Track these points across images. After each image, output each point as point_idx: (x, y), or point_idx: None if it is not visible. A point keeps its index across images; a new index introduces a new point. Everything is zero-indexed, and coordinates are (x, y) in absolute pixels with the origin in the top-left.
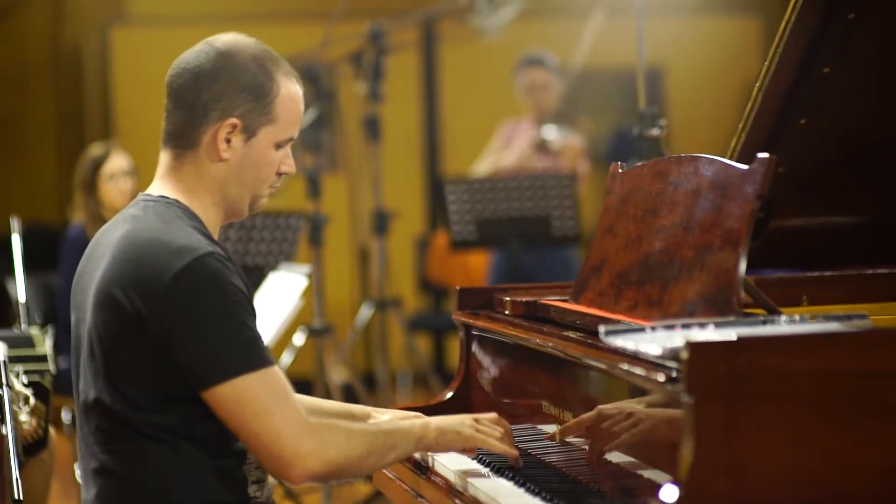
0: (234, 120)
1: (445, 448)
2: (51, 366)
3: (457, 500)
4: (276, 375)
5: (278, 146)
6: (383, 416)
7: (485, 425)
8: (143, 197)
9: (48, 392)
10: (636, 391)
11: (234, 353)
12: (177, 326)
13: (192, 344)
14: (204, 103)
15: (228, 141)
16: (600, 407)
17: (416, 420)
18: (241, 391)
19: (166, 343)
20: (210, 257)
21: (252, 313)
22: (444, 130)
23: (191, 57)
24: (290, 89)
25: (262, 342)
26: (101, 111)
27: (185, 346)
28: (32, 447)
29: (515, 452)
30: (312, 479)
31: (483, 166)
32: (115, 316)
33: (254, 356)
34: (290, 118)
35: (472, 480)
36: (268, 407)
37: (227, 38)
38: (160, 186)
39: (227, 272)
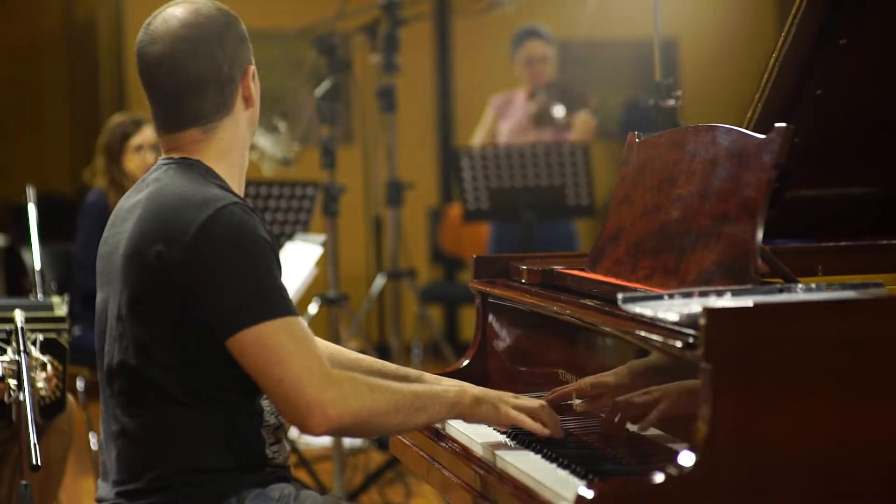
0: (251, 67)
1: (479, 419)
2: (68, 330)
3: (473, 466)
4: (298, 324)
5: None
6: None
7: (523, 403)
8: (163, 161)
9: (65, 350)
10: (652, 358)
11: (257, 301)
12: (202, 277)
13: (216, 293)
14: (228, 72)
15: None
16: (616, 370)
17: (451, 385)
18: (262, 338)
19: (192, 295)
20: (234, 206)
21: (277, 263)
22: (458, 102)
23: (176, 44)
24: None
25: (285, 292)
26: (115, 82)
27: (210, 295)
28: (50, 408)
29: (547, 431)
30: (333, 429)
31: (480, 139)
32: (143, 275)
33: (276, 304)
34: None
35: (490, 447)
36: (289, 355)
37: (182, 11)
38: (179, 154)
39: (251, 221)
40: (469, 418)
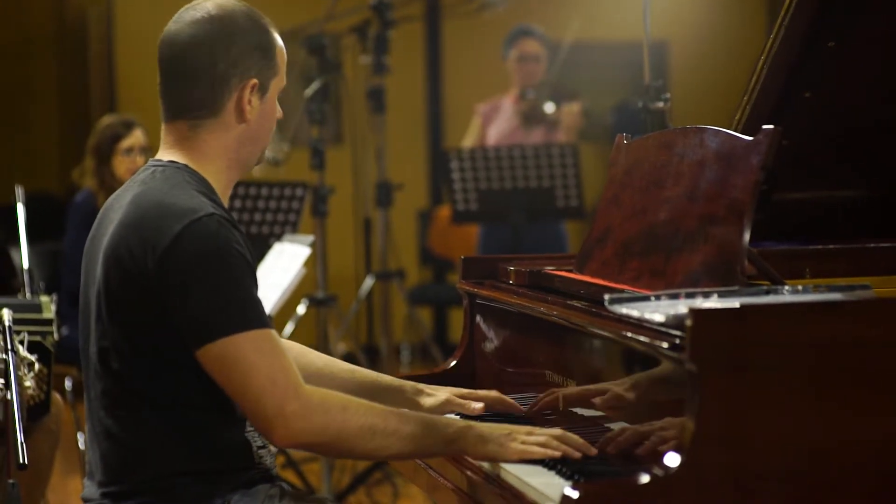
0: (254, 81)
1: (483, 457)
2: (54, 332)
3: (460, 466)
4: (267, 336)
5: (278, 97)
6: (437, 395)
7: (534, 440)
8: (152, 162)
9: (50, 353)
10: (639, 359)
11: (225, 313)
12: (173, 287)
13: (186, 304)
14: (223, 71)
15: (249, 102)
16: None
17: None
18: (228, 350)
19: (165, 304)
20: (210, 218)
21: (251, 275)
22: (448, 103)
23: (190, 29)
24: (279, 38)
25: (257, 304)
26: (105, 82)
27: (180, 306)
28: (34, 410)
29: (557, 454)
30: (297, 444)
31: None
32: (121, 278)
33: (245, 317)
34: (284, 67)
35: None
36: (253, 366)
37: (213, 5)
38: (170, 154)
39: (227, 233)
40: (473, 455)
